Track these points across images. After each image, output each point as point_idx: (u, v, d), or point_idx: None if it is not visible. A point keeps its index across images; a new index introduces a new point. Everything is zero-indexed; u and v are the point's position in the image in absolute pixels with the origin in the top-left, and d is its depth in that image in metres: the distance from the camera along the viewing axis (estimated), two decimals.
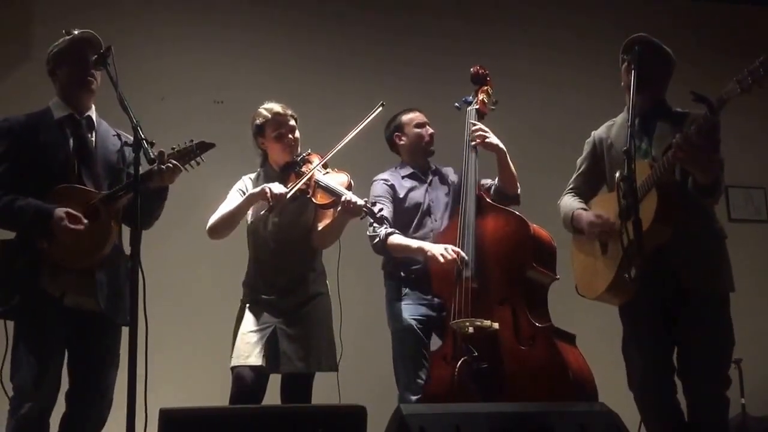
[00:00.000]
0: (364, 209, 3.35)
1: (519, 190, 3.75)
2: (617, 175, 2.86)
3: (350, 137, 3.54)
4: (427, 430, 2.59)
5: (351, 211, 3.35)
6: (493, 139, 3.65)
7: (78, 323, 3.00)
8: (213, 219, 3.50)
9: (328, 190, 3.43)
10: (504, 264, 3.46)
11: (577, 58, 5.83)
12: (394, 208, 3.77)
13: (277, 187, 3.38)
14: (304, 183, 3.43)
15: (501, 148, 3.67)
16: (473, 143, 3.67)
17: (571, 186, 3.50)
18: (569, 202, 3.42)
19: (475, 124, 3.71)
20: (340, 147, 3.52)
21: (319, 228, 3.51)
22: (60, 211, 2.91)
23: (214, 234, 3.50)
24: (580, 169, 3.49)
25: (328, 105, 5.30)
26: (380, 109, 3.60)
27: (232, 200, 3.53)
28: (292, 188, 3.40)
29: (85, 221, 2.93)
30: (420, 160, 3.93)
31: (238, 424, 2.56)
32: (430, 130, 3.90)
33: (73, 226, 2.90)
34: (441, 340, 3.63)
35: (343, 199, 3.35)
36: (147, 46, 5.13)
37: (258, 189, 3.42)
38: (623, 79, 3.25)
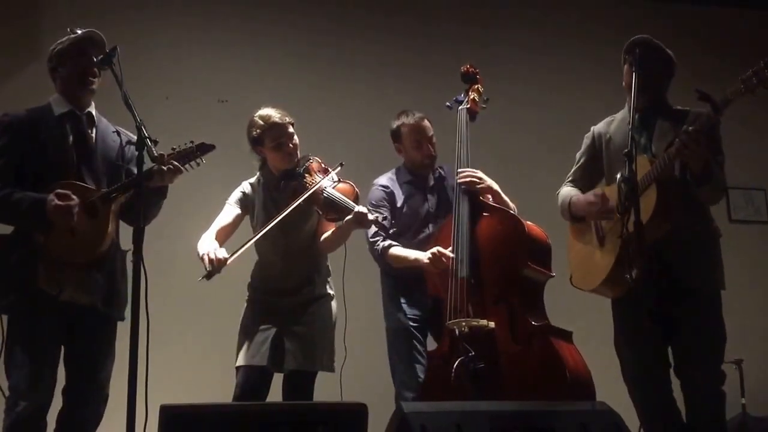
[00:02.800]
0: (375, 225, 3.35)
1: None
2: (618, 176, 2.89)
3: (312, 190, 3.40)
4: (427, 429, 2.59)
5: (361, 223, 3.35)
6: (486, 183, 3.61)
7: (73, 319, 3.01)
8: (202, 239, 3.44)
9: (336, 204, 3.39)
10: (499, 263, 3.45)
11: (574, 58, 5.84)
12: (392, 215, 3.75)
13: (214, 253, 3.25)
14: (307, 197, 3.39)
15: (495, 191, 3.63)
16: (463, 187, 3.60)
17: (570, 178, 3.53)
18: (567, 191, 3.46)
19: (462, 171, 3.63)
20: (300, 202, 3.36)
21: (325, 235, 3.51)
22: (50, 195, 2.92)
23: None
24: (579, 163, 3.52)
25: (330, 103, 5.33)
26: (339, 168, 3.49)
27: (226, 214, 3.52)
28: (233, 254, 3.28)
29: (75, 198, 2.93)
30: (419, 171, 3.89)
31: (239, 421, 2.56)
32: (428, 148, 3.79)
33: (63, 203, 2.91)
34: (437, 339, 3.64)
35: (355, 210, 3.33)
36: (152, 47, 5.15)
37: (201, 252, 3.30)
38: (624, 79, 3.27)
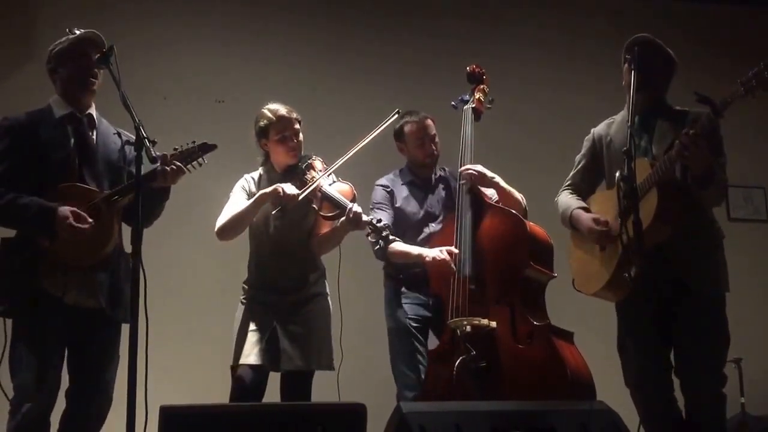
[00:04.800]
0: (369, 227, 3.35)
1: (524, 204, 3.70)
2: (617, 175, 2.87)
3: (362, 144, 3.49)
4: (426, 429, 2.59)
5: (356, 224, 3.35)
6: (488, 177, 3.63)
7: (78, 321, 3.00)
8: (221, 221, 3.47)
9: (333, 201, 3.41)
10: (501, 263, 3.46)
11: (576, 58, 5.84)
12: (393, 214, 3.77)
13: (289, 188, 3.38)
14: (311, 191, 3.41)
15: (496, 182, 3.65)
16: (463, 182, 3.63)
17: (569, 182, 3.50)
18: (567, 199, 3.43)
19: (464, 168, 3.66)
20: (350, 154, 3.47)
21: (319, 235, 3.52)
22: (65, 210, 2.91)
23: (224, 235, 3.47)
24: (579, 166, 3.49)
25: (330, 104, 5.32)
26: (395, 116, 3.54)
27: (239, 201, 3.51)
28: (303, 192, 3.39)
29: (91, 221, 2.94)
30: (421, 171, 3.90)
31: (238, 422, 2.56)
32: (431, 147, 3.82)
33: (79, 225, 2.90)
34: (438, 339, 3.64)
35: (349, 209, 3.34)
36: (150, 47, 5.15)
37: (270, 189, 3.40)
38: (624, 78, 3.25)
